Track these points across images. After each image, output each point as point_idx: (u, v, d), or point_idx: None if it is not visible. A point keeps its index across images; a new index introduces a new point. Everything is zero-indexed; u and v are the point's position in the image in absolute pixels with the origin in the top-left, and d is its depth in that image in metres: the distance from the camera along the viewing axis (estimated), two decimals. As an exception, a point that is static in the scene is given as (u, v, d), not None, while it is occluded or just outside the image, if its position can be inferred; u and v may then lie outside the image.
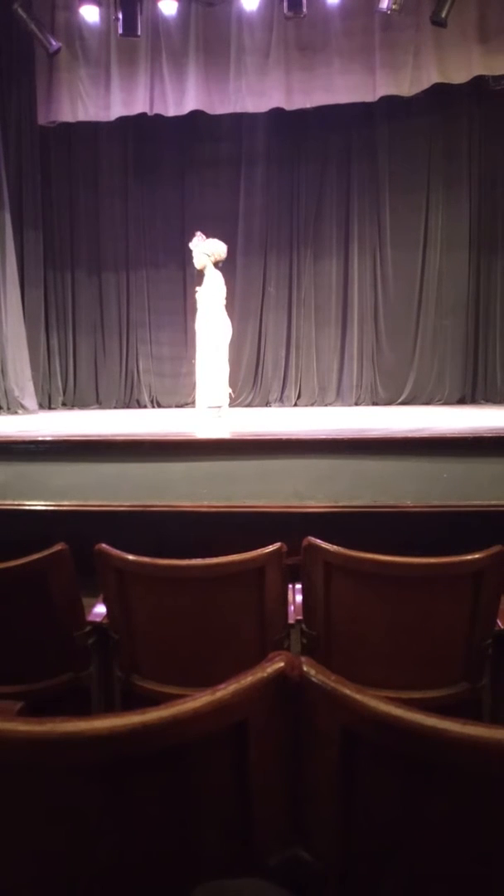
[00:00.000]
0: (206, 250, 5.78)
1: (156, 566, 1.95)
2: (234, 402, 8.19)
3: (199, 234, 5.88)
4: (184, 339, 8.04)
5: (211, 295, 5.74)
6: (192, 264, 6.04)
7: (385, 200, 8.14)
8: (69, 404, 8.29)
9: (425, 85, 6.50)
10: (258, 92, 6.74)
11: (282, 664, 0.99)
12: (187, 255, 6.10)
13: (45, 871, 0.97)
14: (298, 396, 8.37)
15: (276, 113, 7.05)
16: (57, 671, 2.10)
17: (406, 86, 6.53)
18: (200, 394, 5.88)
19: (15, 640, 2.06)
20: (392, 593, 1.96)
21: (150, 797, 0.97)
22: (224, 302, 5.79)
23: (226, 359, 5.83)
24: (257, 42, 6.69)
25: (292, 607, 2.20)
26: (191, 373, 6.43)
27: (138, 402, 8.44)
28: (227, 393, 5.90)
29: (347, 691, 0.95)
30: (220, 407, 5.79)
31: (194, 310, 5.92)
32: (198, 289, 5.84)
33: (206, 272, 5.79)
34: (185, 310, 7.80)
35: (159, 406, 8.29)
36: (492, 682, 2.09)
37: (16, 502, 3.63)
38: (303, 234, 8.35)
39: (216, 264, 5.79)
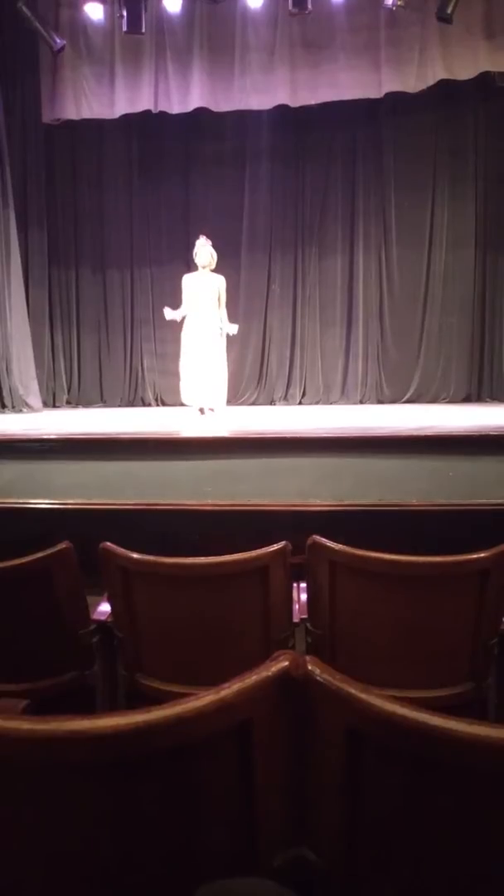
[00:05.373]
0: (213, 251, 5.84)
1: (160, 565, 1.95)
2: (238, 401, 8.23)
3: (203, 236, 5.94)
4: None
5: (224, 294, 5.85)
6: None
7: (390, 198, 8.12)
8: (74, 402, 8.30)
9: (431, 81, 6.48)
10: (263, 89, 6.74)
11: (286, 663, 0.98)
12: (191, 252, 6.09)
13: (49, 870, 0.96)
14: (303, 395, 8.36)
15: (281, 110, 7.03)
16: (61, 670, 2.10)
17: (411, 82, 6.52)
18: (222, 391, 5.90)
19: (19, 638, 2.06)
20: (397, 592, 1.96)
21: (153, 796, 0.96)
22: None
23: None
24: (262, 39, 6.68)
25: (297, 606, 2.19)
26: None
27: (143, 400, 8.44)
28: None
29: (353, 690, 0.94)
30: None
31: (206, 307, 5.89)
32: (220, 288, 5.83)
33: (210, 272, 5.80)
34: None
35: (164, 404, 8.27)
36: (497, 682, 2.08)
37: (20, 500, 3.63)
38: (307, 232, 8.32)
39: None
